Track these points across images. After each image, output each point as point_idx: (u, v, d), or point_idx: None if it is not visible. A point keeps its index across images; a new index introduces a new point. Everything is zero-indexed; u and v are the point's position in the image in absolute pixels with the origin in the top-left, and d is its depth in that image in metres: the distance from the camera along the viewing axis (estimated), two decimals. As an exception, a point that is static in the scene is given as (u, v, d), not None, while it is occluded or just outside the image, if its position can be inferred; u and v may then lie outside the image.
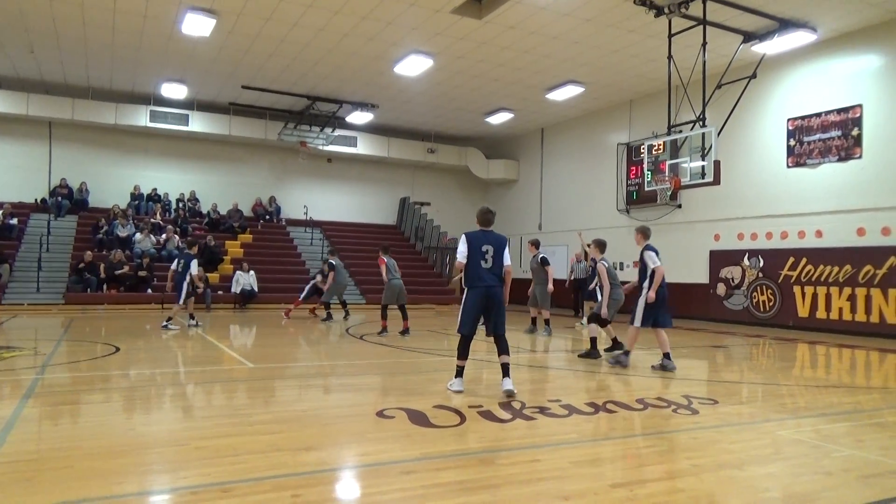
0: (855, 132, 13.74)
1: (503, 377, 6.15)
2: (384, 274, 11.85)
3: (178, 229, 20.24)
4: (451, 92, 19.12)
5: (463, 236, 6.39)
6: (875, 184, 13.33)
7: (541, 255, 12.71)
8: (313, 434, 4.69)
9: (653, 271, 8.02)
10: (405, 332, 11.61)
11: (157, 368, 7.86)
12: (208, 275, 18.28)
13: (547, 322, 12.53)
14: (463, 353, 6.33)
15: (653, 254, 8.12)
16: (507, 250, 6.33)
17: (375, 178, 25.40)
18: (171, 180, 22.05)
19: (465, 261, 6.24)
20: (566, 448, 4.49)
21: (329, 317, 15.20)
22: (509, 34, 14.41)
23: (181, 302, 12.57)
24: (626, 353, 8.36)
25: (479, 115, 21.67)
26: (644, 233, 8.42)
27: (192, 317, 12.90)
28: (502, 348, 6.25)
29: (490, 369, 8.44)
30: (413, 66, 16.46)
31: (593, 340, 9.27)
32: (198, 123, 21.07)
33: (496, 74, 17.33)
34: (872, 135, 13.44)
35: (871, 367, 9.45)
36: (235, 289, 18.37)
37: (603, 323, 9.32)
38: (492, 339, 6.39)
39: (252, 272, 18.61)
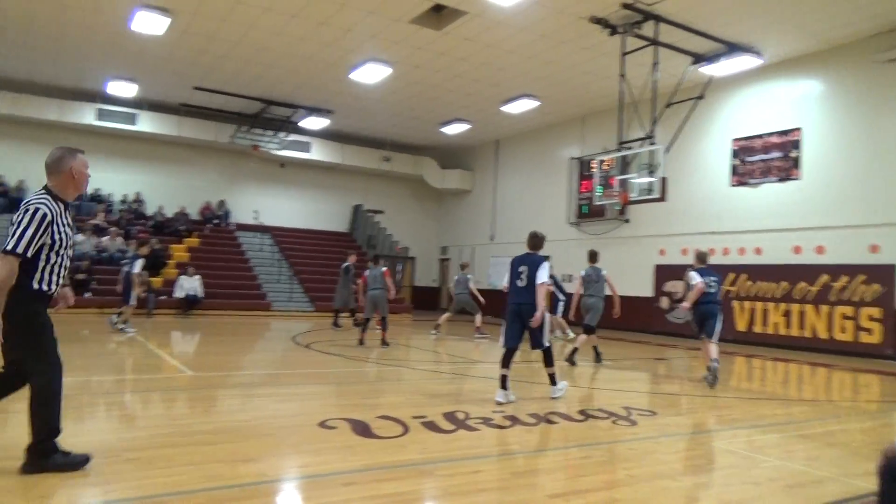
0: (794, 154, 14.31)
1: (552, 385, 6.72)
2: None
3: (121, 231, 19.65)
4: (408, 101, 19.16)
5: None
6: (811, 204, 13.90)
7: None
8: (253, 445, 4.60)
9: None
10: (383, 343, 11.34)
11: (93, 376, 7.60)
12: (152, 279, 17.79)
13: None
14: (504, 363, 6.52)
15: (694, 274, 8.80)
16: (541, 269, 6.53)
17: (329, 185, 25.19)
18: (115, 181, 21.38)
19: (507, 284, 6.81)
20: (508, 459, 4.53)
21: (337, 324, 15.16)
22: (467, 46, 14.55)
23: (131, 302, 12.29)
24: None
25: (435, 125, 21.76)
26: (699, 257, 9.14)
27: (119, 318, 12.57)
28: (544, 361, 6.70)
29: (436, 381, 8.46)
30: (370, 73, 16.43)
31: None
32: (146, 123, 20.54)
33: (453, 85, 17.45)
34: (810, 157, 14.03)
35: (803, 380, 9.82)
36: (179, 294, 17.91)
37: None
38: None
39: (198, 277, 18.19)
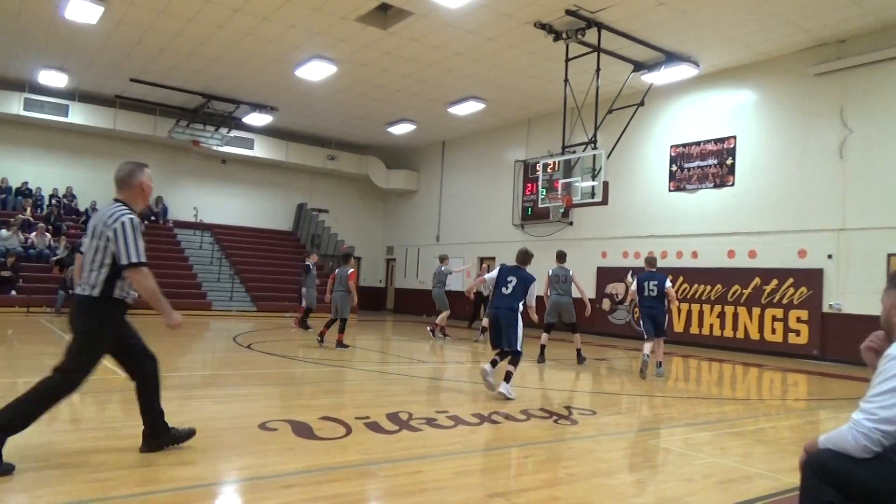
0: (729, 161, 14.86)
1: (503, 381, 6.88)
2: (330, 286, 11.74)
3: (50, 227, 18.81)
4: (354, 100, 19.01)
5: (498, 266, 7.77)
6: (745, 210, 14.46)
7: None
8: (189, 448, 4.46)
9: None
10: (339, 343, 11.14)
11: (19, 377, 7.24)
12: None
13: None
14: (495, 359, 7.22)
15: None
16: (530, 290, 7.12)
17: (272, 183, 24.75)
18: (45, 174, 20.46)
19: (492, 287, 7.42)
20: (450, 459, 4.53)
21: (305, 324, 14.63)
22: (414, 46, 14.53)
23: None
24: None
25: (382, 125, 21.66)
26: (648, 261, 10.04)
27: None
28: (509, 359, 7.04)
29: (380, 381, 8.42)
30: (315, 70, 16.22)
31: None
32: (79, 115, 19.72)
33: (399, 85, 17.40)
34: (744, 165, 14.59)
35: (735, 379, 10.20)
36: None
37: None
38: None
39: (133, 276, 17.51)
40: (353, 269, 11.56)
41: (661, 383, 8.81)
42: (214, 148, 21.45)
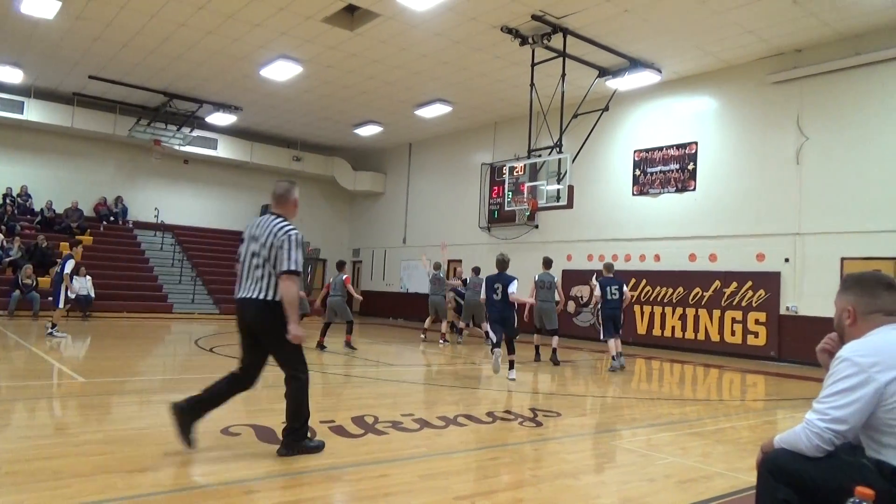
0: (691, 166, 15.16)
1: (509, 369, 8.68)
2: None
3: (3, 227, 18.23)
4: (320, 101, 18.87)
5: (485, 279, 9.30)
6: (706, 214, 14.76)
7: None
8: (149, 454, 4.37)
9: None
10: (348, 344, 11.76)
11: (-30, 382, 7.01)
12: (39, 279, 16.62)
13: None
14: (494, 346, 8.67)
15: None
16: (511, 285, 8.72)
17: (236, 183, 24.39)
18: (-1, 172, 19.85)
19: (484, 296, 9.07)
20: (415, 462, 4.52)
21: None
22: (380, 48, 14.49)
23: (60, 305, 11.86)
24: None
25: (348, 126, 21.54)
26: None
27: (54, 325, 11.85)
28: (509, 349, 8.71)
29: (345, 385, 8.37)
30: (280, 71, 16.05)
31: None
32: (35, 112, 19.15)
33: (366, 87, 17.33)
34: (705, 170, 14.90)
35: (696, 380, 10.40)
36: (71, 294, 16.76)
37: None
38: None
39: (88, 277, 17.07)
40: (347, 275, 12.18)
41: (624, 384, 8.94)
42: (176, 148, 21.06)
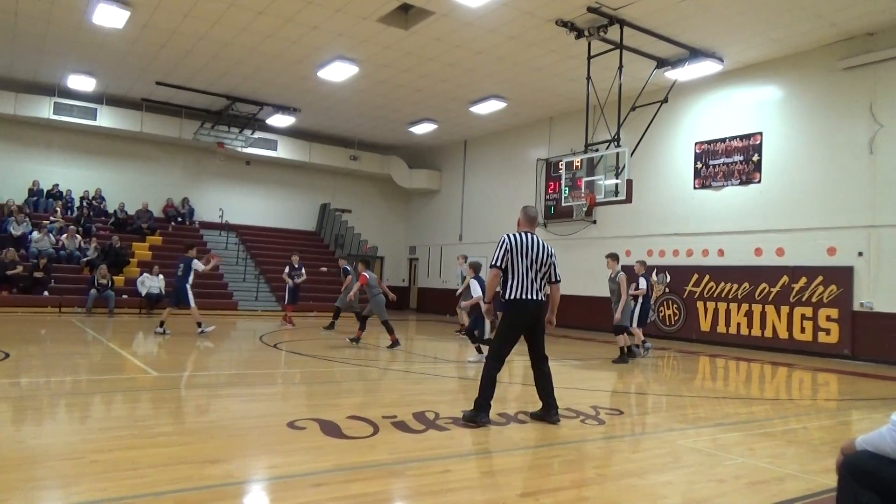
0: (755, 158, 14.65)
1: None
2: (357, 288, 11.95)
3: (80, 229, 19.16)
4: (376, 100, 19.08)
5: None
6: (772, 207, 14.25)
7: None
8: (220, 446, 4.53)
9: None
10: (394, 344, 11.35)
11: (52, 377, 7.39)
12: (113, 277, 17.40)
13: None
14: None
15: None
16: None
17: (295, 183, 24.95)
18: (74, 177, 20.85)
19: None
20: (478, 458, 4.54)
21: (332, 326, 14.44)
22: (435, 46, 14.55)
23: (192, 304, 12.27)
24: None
25: (403, 125, 21.72)
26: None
27: (199, 324, 12.33)
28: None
29: (406, 381, 8.45)
30: (337, 71, 16.32)
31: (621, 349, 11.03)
32: (107, 118, 20.06)
33: (421, 85, 17.43)
34: (771, 161, 14.38)
35: (764, 379, 10.06)
36: (142, 291, 17.53)
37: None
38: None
39: (161, 276, 17.83)
40: (364, 275, 11.72)
41: (688, 383, 8.72)
42: (239, 149, 21.69)
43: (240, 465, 4.13)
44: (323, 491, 3.61)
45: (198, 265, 12.48)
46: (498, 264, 5.61)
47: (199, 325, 12.25)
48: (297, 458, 4.26)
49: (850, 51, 13.02)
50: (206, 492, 3.52)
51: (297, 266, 15.95)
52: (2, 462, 3.90)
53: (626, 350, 10.84)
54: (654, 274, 16.46)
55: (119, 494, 3.38)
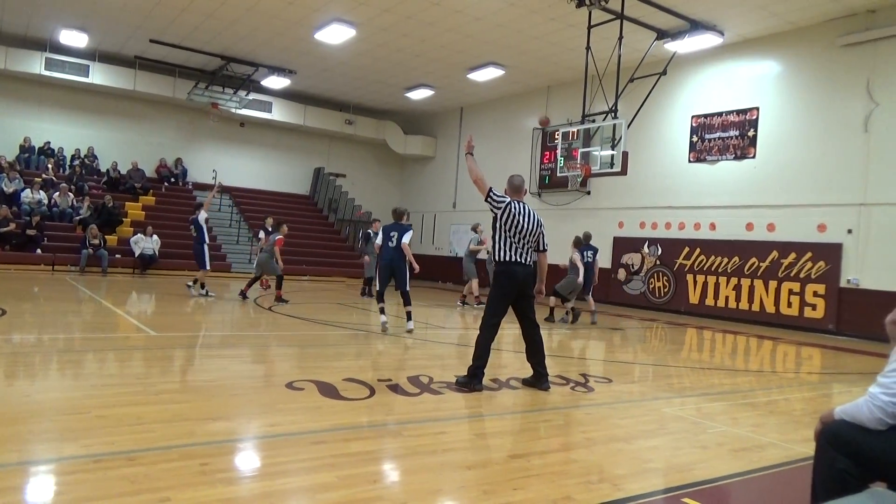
0: (751, 133, 14.70)
1: (407, 321, 9.20)
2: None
3: (72, 187, 19.05)
4: (373, 64, 18.91)
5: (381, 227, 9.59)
6: (765, 183, 14.35)
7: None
8: (221, 404, 4.66)
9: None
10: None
11: (48, 334, 7.49)
12: (106, 237, 17.39)
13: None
14: (379, 300, 9.34)
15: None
16: (406, 234, 9.03)
17: (290, 146, 24.80)
18: (66, 134, 20.65)
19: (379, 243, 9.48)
20: (471, 421, 4.69)
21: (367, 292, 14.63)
22: (434, 11, 14.39)
23: (207, 266, 12.65)
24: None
25: (400, 90, 21.56)
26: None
27: (202, 286, 12.66)
28: (404, 301, 9.31)
29: (399, 345, 8.60)
30: (335, 34, 16.14)
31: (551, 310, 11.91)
32: (99, 76, 19.79)
33: (419, 50, 17.27)
34: (766, 137, 14.44)
35: (749, 351, 10.29)
36: (136, 251, 17.54)
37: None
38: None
39: (155, 237, 17.84)
40: (280, 237, 12.57)
41: (675, 354, 8.92)
42: (233, 111, 21.49)
43: (241, 423, 4.26)
44: (323, 448, 3.75)
45: (201, 216, 12.69)
46: (494, 194, 6.07)
47: (196, 284, 12.43)
48: (296, 417, 4.39)
49: (849, 27, 13.00)
50: (211, 447, 3.65)
51: (269, 230, 15.49)
52: (9, 415, 4.01)
53: (570, 312, 11.95)
54: (645, 245, 16.63)
55: (127, 448, 3.50)
